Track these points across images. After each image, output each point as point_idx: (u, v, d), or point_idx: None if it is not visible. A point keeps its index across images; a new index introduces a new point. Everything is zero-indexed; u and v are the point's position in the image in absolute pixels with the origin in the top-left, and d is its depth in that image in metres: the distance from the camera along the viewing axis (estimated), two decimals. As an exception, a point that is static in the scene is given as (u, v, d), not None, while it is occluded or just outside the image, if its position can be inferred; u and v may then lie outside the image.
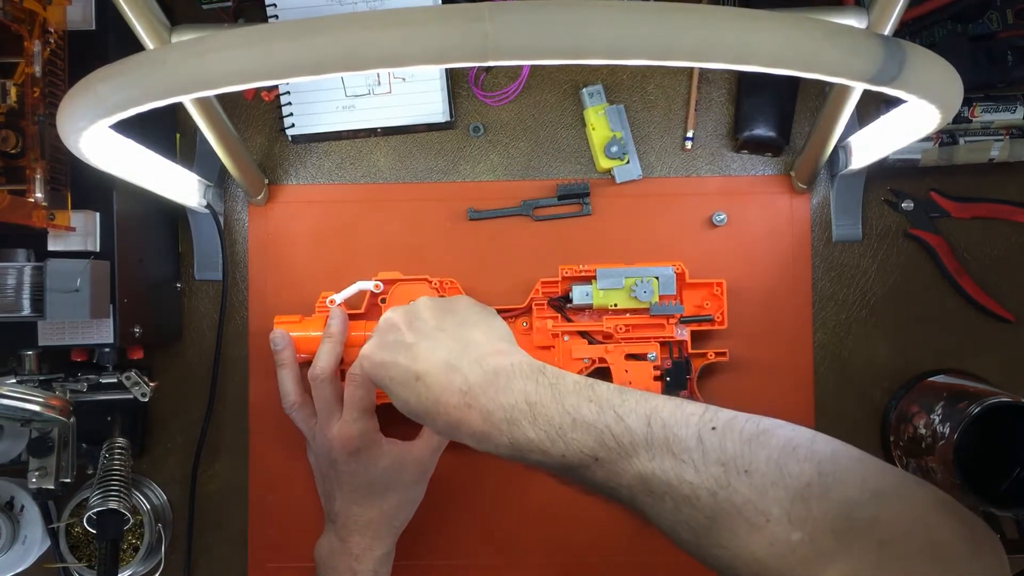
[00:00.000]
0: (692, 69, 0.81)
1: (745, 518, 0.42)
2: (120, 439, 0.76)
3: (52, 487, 0.70)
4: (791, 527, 0.41)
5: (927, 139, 0.75)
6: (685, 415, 0.46)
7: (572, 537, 0.80)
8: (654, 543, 0.48)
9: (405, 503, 0.72)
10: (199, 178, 0.77)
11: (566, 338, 0.77)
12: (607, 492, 0.49)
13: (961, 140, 0.76)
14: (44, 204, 0.64)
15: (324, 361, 0.72)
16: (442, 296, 0.70)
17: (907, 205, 0.80)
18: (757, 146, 0.80)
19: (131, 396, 0.74)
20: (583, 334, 0.78)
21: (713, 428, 0.45)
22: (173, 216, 0.81)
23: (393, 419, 0.64)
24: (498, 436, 0.51)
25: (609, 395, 0.49)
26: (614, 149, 0.80)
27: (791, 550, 0.40)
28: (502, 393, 0.51)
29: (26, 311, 0.64)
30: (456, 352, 0.55)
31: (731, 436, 0.44)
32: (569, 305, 0.77)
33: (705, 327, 0.77)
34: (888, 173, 0.80)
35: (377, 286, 0.78)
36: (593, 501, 0.51)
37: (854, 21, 0.56)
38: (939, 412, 0.71)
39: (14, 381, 0.69)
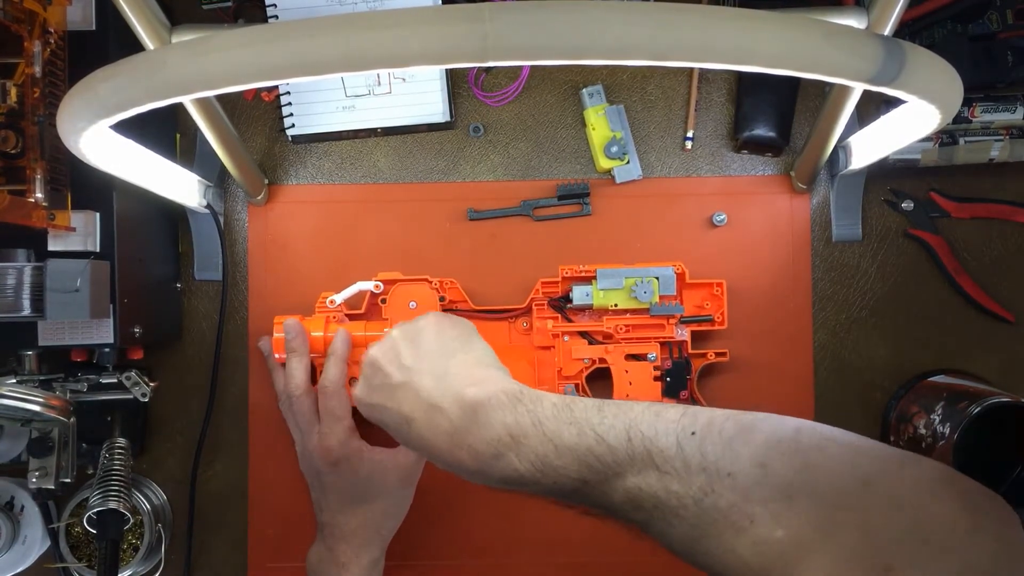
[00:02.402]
0: (692, 69, 0.81)
1: (731, 522, 0.41)
2: (120, 439, 0.76)
3: (52, 487, 0.70)
4: (775, 525, 0.40)
5: (927, 139, 0.75)
6: (664, 424, 0.45)
7: (570, 537, 0.80)
8: (652, 543, 0.48)
9: (391, 510, 0.72)
10: (199, 178, 0.77)
11: (566, 338, 0.77)
12: (603, 512, 0.48)
13: (961, 140, 0.76)
14: (44, 204, 0.64)
15: (299, 377, 0.73)
16: (418, 316, 0.66)
17: (907, 205, 0.80)
18: (757, 146, 0.80)
19: (131, 396, 0.74)
20: (583, 334, 0.78)
21: (692, 433, 0.44)
22: (173, 216, 0.81)
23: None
24: (489, 471, 0.50)
25: (587, 414, 0.47)
26: (614, 149, 0.80)
27: (775, 548, 0.39)
28: (484, 429, 0.50)
29: (26, 311, 0.64)
30: (437, 391, 0.54)
31: (711, 439, 0.43)
32: (569, 305, 0.77)
33: (705, 327, 0.77)
34: (888, 173, 0.80)
35: (377, 286, 0.78)
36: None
37: (854, 21, 0.56)
38: (939, 412, 0.71)
39: (14, 381, 0.69)
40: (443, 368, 0.56)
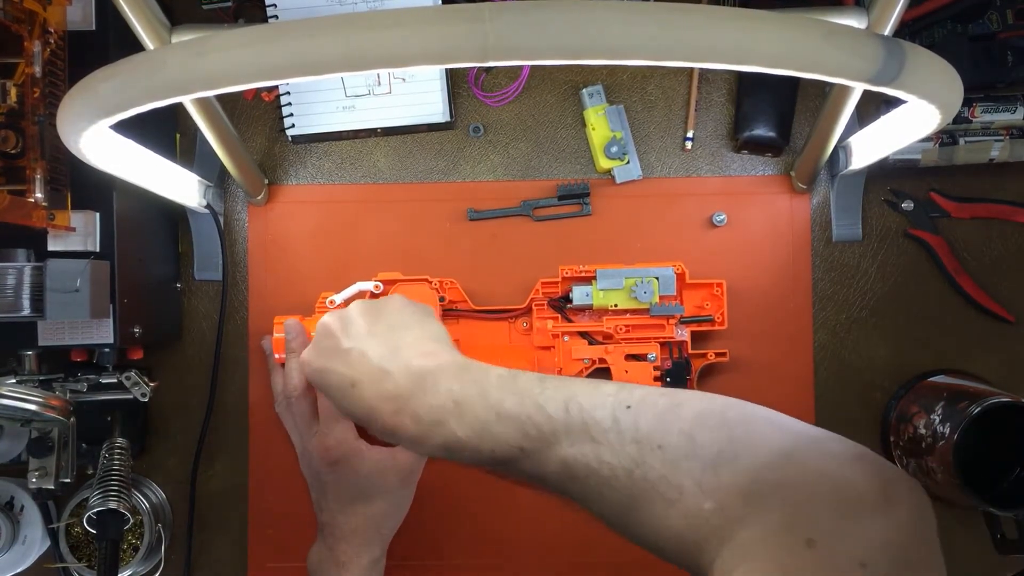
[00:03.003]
0: (692, 69, 0.81)
1: (660, 493, 0.42)
2: (120, 439, 0.76)
3: (52, 487, 0.70)
4: (703, 497, 0.41)
5: (927, 139, 0.75)
6: (601, 397, 0.47)
7: (570, 537, 0.80)
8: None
9: (391, 510, 0.72)
10: (199, 178, 0.77)
11: (566, 339, 0.77)
12: (537, 481, 0.49)
13: (961, 140, 0.76)
14: (44, 204, 0.64)
15: (296, 378, 0.73)
16: (381, 297, 0.68)
17: (907, 205, 0.80)
18: (757, 146, 0.80)
19: (131, 396, 0.74)
20: (583, 335, 0.78)
21: (628, 407, 0.45)
22: (173, 216, 0.81)
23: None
24: (430, 438, 0.51)
25: (530, 385, 0.49)
26: (614, 149, 0.80)
27: (704, 520, 0.40)
28: (429, 395, 0.51)
29: (26, 311, 0.64)
30: (387, 357, 0.55)
31: (644, 413, 0.45)
32: (569, 305, 0.77)
33: (705, 327, 0.77)
34: (888, 173, 0.80)
35: (377, 287, 0.78)
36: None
37: (854, 21, 0.56)
38: (939, 412, 0.71)
39: (14, 381, 0.69)
40: (396, 339, 0.57)
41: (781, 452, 0.40)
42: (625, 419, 0.45)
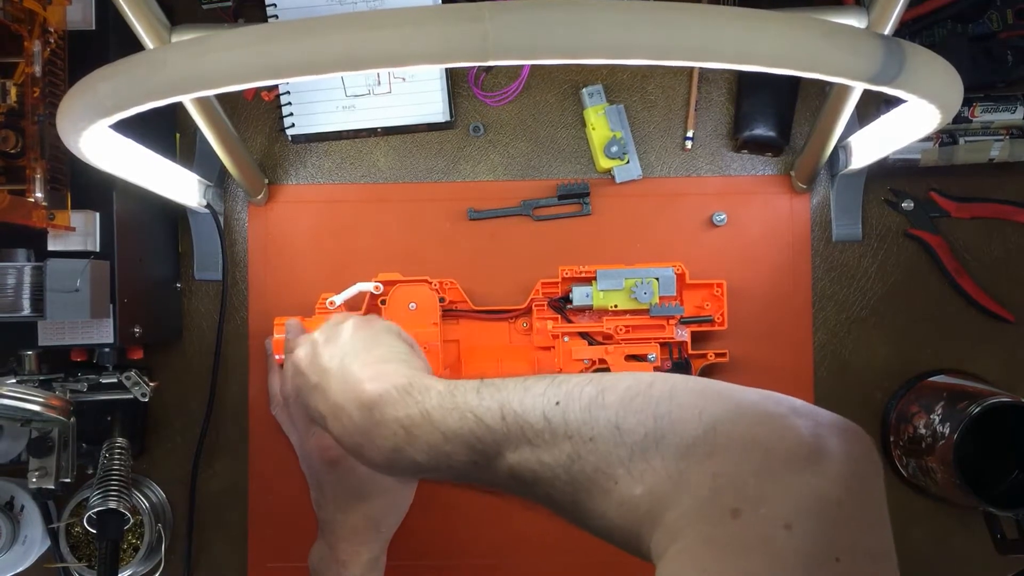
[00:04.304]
0: (692, 69, 0.81)
1: (598, 486, 0.42)
2: (120, 439, 0.76)
3: (52, 487, 0.70)
4: (633, 483, 0.40)
5: (927, 139, 0.75)
6: (532, 398, 0.46)
7: (570, 537, 0.80)
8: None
9: (391, 508, 0.72)
10: (199, 178, 0.77)
11: (566, 339, 0.77)
12: (498, 489, 0.49)
13: (961, 140, 0.76)
14: (44, 204, 0.64)
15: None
16: (337, 316, 0.68)
17: (907, 205, 0.80)
18: (757, 146, 0.80)
19: (131, 396, 0.74)
20: (583, 335, 0.78)
21: (557, 403, 0.45)
22: (173, 216, 0.81)
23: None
24: (395, 465, 0.51)
25: (467, 398, 0.49)
26: (614, 149, 0.80)
27: (636, 506, 0.40)
28: (381, 426, 0.51)
29: (26, 311, 0.64)
30: (340, 391, 0.55)
31: (572, 407, 0.44)
32: (569, 306, 0.77)
33: (705, 328, 0.77)
34: (888, 173, 0.80)
35: (377, 287, 0.78)
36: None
37: (854, 21, 0.56)
38: (939, 412, 0.71)
39: (14, 381, 0.69)
40: (348, 368, 0.57)
41: (709, 424, 0.39)
42: (555, 417, 0.44)
